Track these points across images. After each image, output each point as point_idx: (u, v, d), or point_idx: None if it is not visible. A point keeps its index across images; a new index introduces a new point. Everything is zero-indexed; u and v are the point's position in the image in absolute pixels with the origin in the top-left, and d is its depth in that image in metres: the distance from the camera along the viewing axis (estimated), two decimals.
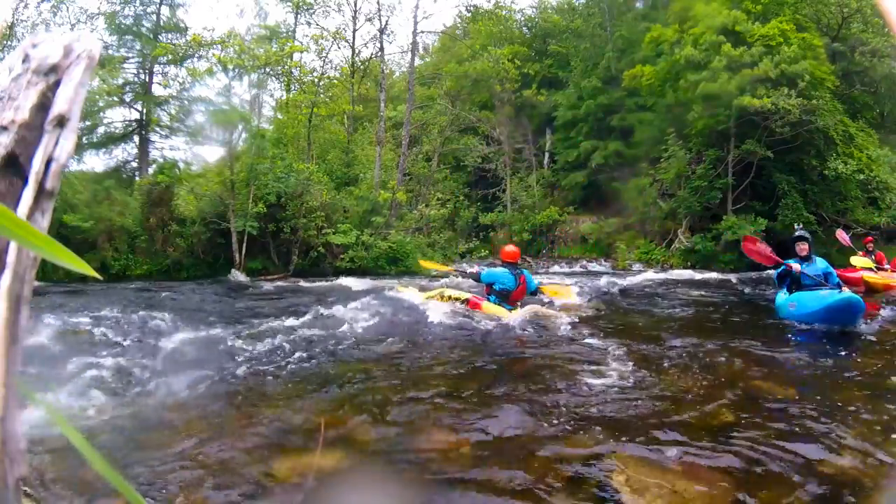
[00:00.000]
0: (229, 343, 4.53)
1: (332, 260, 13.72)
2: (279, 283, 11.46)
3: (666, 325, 5.89)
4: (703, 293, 9.33)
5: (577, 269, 16.68)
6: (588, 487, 2.09)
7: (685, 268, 15.32)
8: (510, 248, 6.35)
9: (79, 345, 4.41)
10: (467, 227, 21.28)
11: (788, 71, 14.41)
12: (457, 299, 6.17)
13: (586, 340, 4.81)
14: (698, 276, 13.11)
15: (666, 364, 3.94)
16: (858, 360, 4.08)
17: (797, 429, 2.64)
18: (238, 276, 12.43)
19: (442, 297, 6.40)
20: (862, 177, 15.86)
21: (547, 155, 24.06)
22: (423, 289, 7.61)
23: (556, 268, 16.96)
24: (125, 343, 4.56)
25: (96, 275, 0.36)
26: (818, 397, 3.18)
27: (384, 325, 5.47)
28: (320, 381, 3.62)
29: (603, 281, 10.56)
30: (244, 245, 13.10)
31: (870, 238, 10.42)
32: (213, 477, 2.20)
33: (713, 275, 13.25)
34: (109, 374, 3.58)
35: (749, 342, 4.69)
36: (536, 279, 6.81)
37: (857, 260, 9.41)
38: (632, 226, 18.77)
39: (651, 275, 13.04)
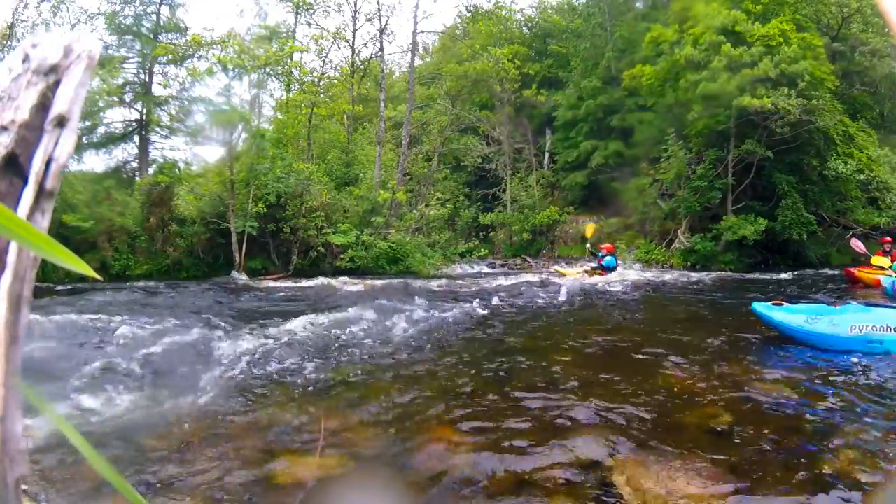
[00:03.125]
0: (229, 343, 4.53)
1: (332, 260, 13.71)
2: (279, 283, 11.46)
3: (665, 325, 5.89)
4: (702, 293, 9.33)
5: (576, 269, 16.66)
6: (589, 488, 2.09)
7: (685, 268, 15.33)
8: (608, 245, 12.78)
9: (78, 345, 4.41)
10: (467, 227, 21.26)
11: (788, 71, 14.39)
12: (593, 272, 11.63)
13: (587, 341, 4.81)
14: (698, 275, 13.11)
15: (666, 364, 3.94)
16: (859, 360, 4.08)
17: (797, 429, 2.64)
18: (238, 276, 12.43)
19: (586, 272, 11.79)
20: (862, 177, 15.85)
21: (547, 155, 24.06)
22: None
23: (556, 267, 16.96)
24: (125, 343, 4.55)
25: (96, 275, 0.36)
26: (818, 397, 3.18)
27: (384, 324, 5.47)
28: (320, 381, 3.62)
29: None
30: (244, 245, 13.10)
31: (888, 238, 10.43)
32: (213, 477, 2.20)
33: (713, 275, 13.24)
34: (109, 374, 3.58)
35: (749, 342, 4.69)
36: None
37: (877, 260, 9.57)
38: (632, 226, 18.76)
39: (650, 274, 13.05)
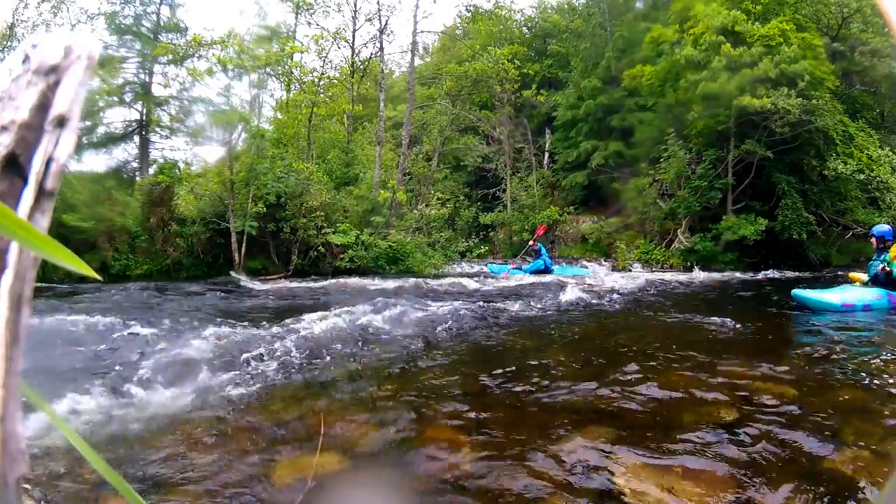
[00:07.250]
0: (228, 343, 4.53)
1: (332, 260, 13.71)
2: (279, 283, 11.45)
3: (664, 325, 5.89)
4: (701, 293, 9.33)
5: (576, 268, 16.65)
6: (588, 488, 2.09)
7: (685, 268, 15.33)
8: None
9: (78, 345, 4.41)
10: (467, 227, 21.29)
11: (788, 71, 14.40)
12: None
13: (588, 341, 4.81)
14: (697, 275, 13.11)
15: (665, 364, 3.94)
16: (859, 360, 4.08)
17: (797, 429, 2.64)
18: (238, 275, 12.43)
19: None
20: (862, 177, 15.86)
21: (547, 155, 24.09)
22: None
23: (556, 267, 16.97)
24: (125, 343, 4.56)
25: (96, 275, 0.36)
26: (818, 397, 3.18)
27: (384, 324, 5.47)
28: (320, 381, 3.62)
29: (603, 280, 10.56)
30: (244, 245, 13.10)
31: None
32: (212, 477, 2.20)
33: (712, 275, 13.25)
34: (108, 374, 3.58)
35: (748, 342, 4.69)
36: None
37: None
38: (632, 226, 18.76)
39: (649, 275, 13.05)
